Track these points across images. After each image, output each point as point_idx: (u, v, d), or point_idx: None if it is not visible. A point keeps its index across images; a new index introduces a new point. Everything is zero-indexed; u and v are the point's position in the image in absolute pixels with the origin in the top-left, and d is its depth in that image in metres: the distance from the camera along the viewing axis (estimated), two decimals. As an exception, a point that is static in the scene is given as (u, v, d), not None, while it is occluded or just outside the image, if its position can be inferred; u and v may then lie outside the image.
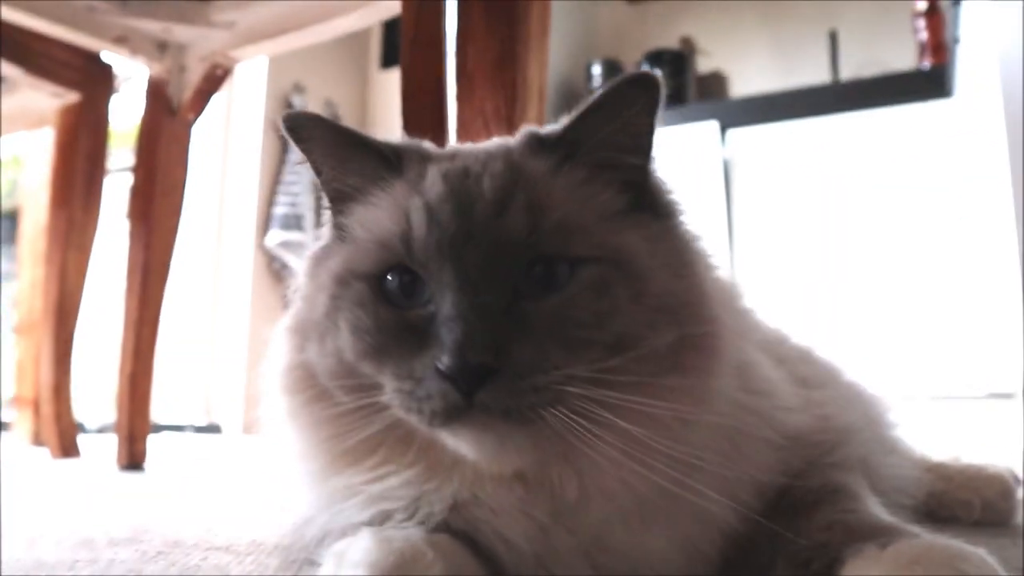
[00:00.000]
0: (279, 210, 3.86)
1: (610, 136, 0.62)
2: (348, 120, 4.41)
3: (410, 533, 0.56)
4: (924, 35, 3.36)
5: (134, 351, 1.73)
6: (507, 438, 0.56)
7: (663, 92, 0.61)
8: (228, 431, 3.66)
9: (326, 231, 0.69)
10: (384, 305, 0.60)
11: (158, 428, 1.96)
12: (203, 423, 3.73)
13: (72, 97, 1.87)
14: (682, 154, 3.28)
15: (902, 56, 3.49)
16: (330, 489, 0.64)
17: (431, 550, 0.54)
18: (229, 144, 4.07)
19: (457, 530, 0.59)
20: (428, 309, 0.58)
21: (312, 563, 0.64)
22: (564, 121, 0.64)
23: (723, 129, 3.31)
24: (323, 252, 0.67)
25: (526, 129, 0.67)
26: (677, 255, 0.62)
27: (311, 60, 4.12)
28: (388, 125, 4.44)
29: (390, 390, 0.57)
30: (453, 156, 0.66)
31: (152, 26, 1.67)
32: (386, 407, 0.58)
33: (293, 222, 3.84)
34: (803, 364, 0.83)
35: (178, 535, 0.89)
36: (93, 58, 1.86)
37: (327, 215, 0.69)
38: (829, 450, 0.69)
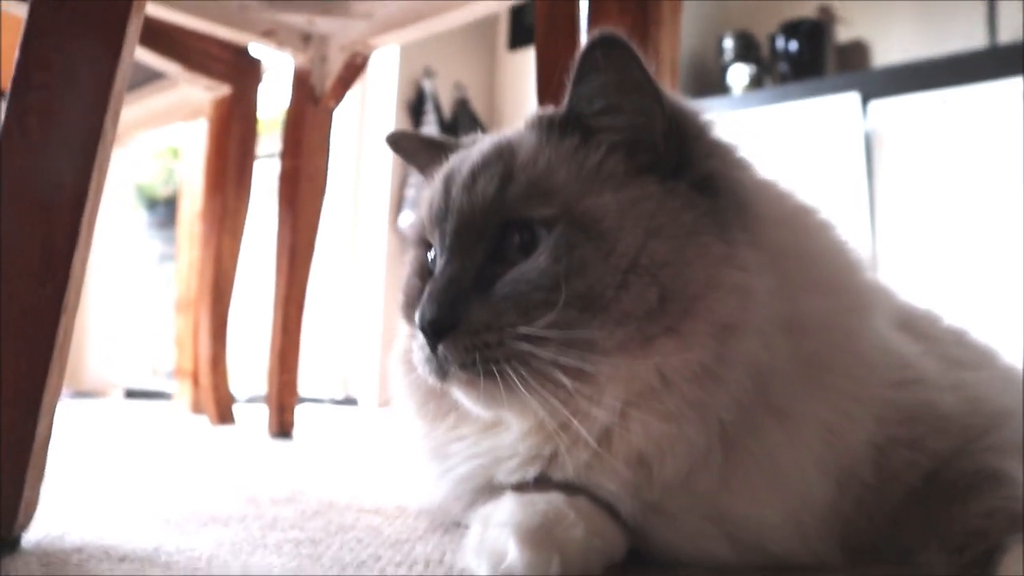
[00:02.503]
0: (411, 192, 3.97)
1: (593, 101, 0.63)
2: (477, 101, 4.51)
3: (552, 496, 0.59)
4: (1097, -9, 3.06)
5: (283, 328, 1.84)
6: (482, 390, 0.60)
7: (629, 47, 0.61)
8: (364, 404, 3.82)
9: None
10: (418, 271, 0.71)
11: (301, 400, 2.09)
12: (341, 397, 3.90)
13: (224, 90, 1.99)
14: (820, 128, 3.14)
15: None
16: (432, 448, 0.70)
17: (572, 511, 0.57)
18: (364, 129, 4.20)
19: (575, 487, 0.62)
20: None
21: (459, 524, 0.70)
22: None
23: (865, 101, 3.14)
24: None
25: (535, 113, 0.70)
26: (670, 216, 0.60)
27: (441, 44, 4.19)
28: (516, 105, 4.48)
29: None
30: (474, 143, 0.74)
31: (297, 19, 1.76)
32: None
33: (425, 204, 3.94)
34: (956, 346, 0.79)
35: (331, 497, 0.97)
36: (242, 52, 1.98)
37: None
38: (981, 434, 0.66)
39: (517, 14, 4.48)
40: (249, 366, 2.34)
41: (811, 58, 3.66)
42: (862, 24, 3.82)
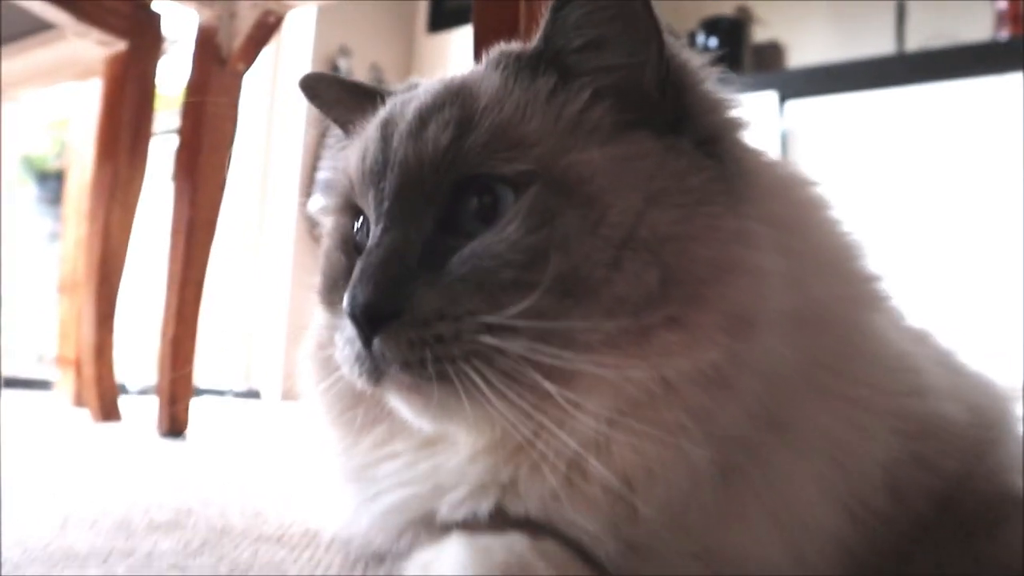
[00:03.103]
0: (323, 175, 3.81)
1: (576, 33, 0.52)
2: (394, 84, 4.35)
3: (513, 540, 0.46)
4: (1003, 4, 3.19)
5: (177, 313, 1.67)
6: (433, 397, 0.47)
7: None
8: (267, 397, 3.63)
9: None
10: (341, 245, 0.56)
11: (198, 392, 1.93)
12: (243, 389, 3.71)
13: (119, 46, 1.79)
14: (740, 125, 3.15)
15: (975, 27, 3.32)
16: (353, 468, 0.56)
17: (540, 560, 0.45)
18: (274, 108, 4.01)
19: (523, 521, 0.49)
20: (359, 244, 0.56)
21: (379, 560, 0.55)
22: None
23: (782, 100, 3.18)
24: None
25: (497, 48, 0.57)
26: (674, 180, 0.49)
27: (357, 23, 4.05)
28: (434, 91, 4.36)
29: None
30: (414, 88, 0.61)
31: (203, -31, 1.60)
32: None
33: (336, 188, 3.79)
34: (927, 347, 0.71)
35: (225, 520, 0.79)
36: (142, 6, 1.79)
37: None
38: (989, 448, 0.57)
39: (438, -5, 4.37)
40: (141, 353, 2.16)
41: (730, 56, 3.67)
42: (778, 25, 3.88)
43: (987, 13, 3.26)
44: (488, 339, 0.45)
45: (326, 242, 0.61)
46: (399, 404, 0.51)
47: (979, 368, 0.75)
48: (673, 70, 0.52)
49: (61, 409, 2.22)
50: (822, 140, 3.14)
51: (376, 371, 0.48)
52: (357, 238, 0.56)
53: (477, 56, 1.03)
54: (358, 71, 4.10)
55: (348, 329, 0.48)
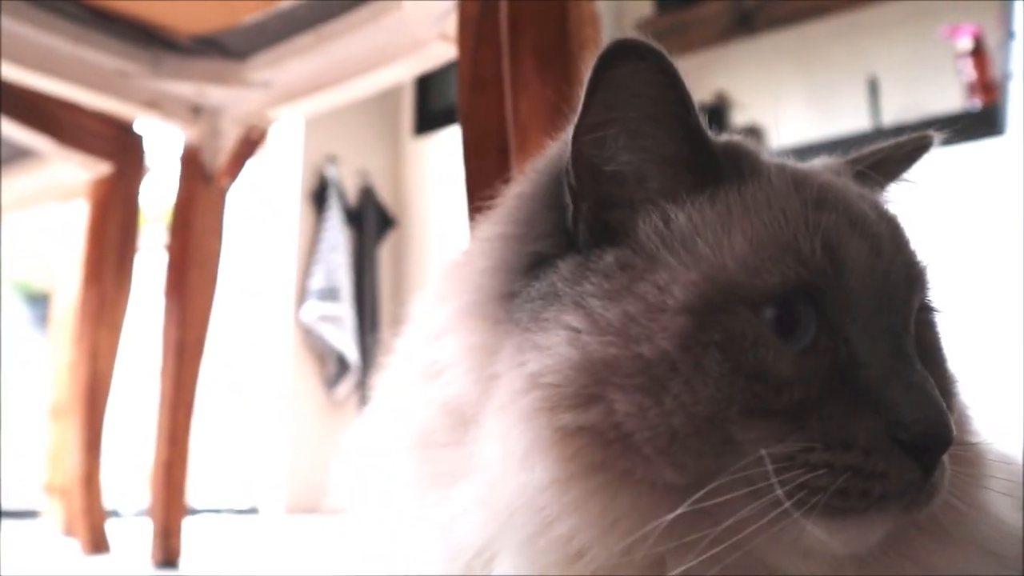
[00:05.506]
0: (315, 282, 3.79)
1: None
2: (383, 190, 4.41)
3: None
4: (970, 75, 3.26)
5: (169, 437, 1.62)
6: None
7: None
8: (267, 513, 3.52)
9: (526, 239, 0.50)
10: (778, 343, 0.43)
11: (193, 512, 1.85)
12: (241, 506, 3.59)
13: (104, 169, 1.80)
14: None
15: (944, 99, 3.40)
16: None
17: None
18: (262, 215, 4.03)
19: None
20: (839, 354, 0.43)
21: None
22: (857, 158, 0.57)
23: (766, 181, 3.22)
24: (579, 265, 0.47)
25: (833, 159, 0.57)
26: None
27: (344, 130, 4.12)
28: (422, 192, 4.40)
29: (799, 465, 0.40)
30: (794, 169, 0.52)
31: (185, 88, 1.61)
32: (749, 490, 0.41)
33: (330, 294, 3.76)
34: None
35: None
36: (124, 127, 1.80)
37: (537, 213, 0.50)
38: None
39: (422, 100, 4.46)
40: (132, 475, 2.09)
41: (712, 141, 3.75)
42: (756, 108, 3.97)
43: (955, 83, 3.34)
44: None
45: (734, 330, 0.43)
46: (865, 534, 0.43)
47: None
48: None
49: (50, 539, 2.13)
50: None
51: (897, 496, 0.41)
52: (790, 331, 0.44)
53: (466, 154, 1.02)
54: (346, 177, 4.14)
55: (892, 457, 0.41)
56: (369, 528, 0.53)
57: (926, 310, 0.49)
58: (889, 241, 0.47)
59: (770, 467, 0.40)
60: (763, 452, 0.40)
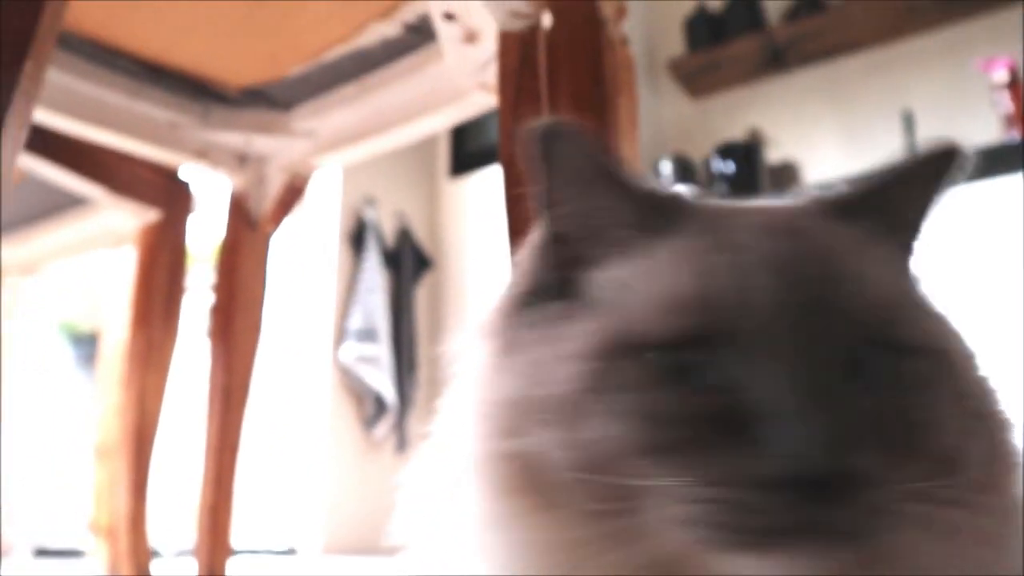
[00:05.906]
0: (353, 323, 3.83)
1: (909, 203, 0.55)
2: (420, 231, 4.46)
3: None
4: (1007, 107, 3.24)
5: (214, 480, 1.65)
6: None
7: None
8: (305, 553, 3.52)
9: (524, 285, 0.56)
10: (676, 385, 0.46)
11: (235, 552, 1.87)
12: (279, 547, 3.60)
13: (152, 215, 1.86)
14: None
15: (982, 131, 3.37)
16: None
17: None
18: (302, 257, 4.09)
19: None
20: (739, 394, 0.44)
21: None
22: (855, 186, 0.54)
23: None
24: (540, 313, 0.53)
25: (806, 192, 0.56)
26: (965, 342, 0.51)
27: (381, 172, 4.19)
28: (458, 233, 4.44)
29: (683, 499, 0.43)
30: (730, 211, 0.54)
31: (233, 138, 1.66)
32: (645, 527, 0.44)
33: (368, 335, 3.80)
34: None
35: None
36: (172, 175, 1.86)
37: (535, 263, 0.56)
38: None
39: (458, 142, 4.53)
40: (177, 515, 2.12)
41: (746, 178, 3.74)
42: (790, 144, 3.96)
43: (992, 116, 3.31)
44: (905, 507, 0.44)
45: (633, 372, 0.48)
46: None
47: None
48: None
49: (95, 581, 2.16)
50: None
51: (782, 533, 0.42)
52: (691, 374, 0.48)
53: (508, 200, 1.05)
54: (384, 219, 4.21)
55: (770, 494, 0.42)
56: (433, 566, 0.55)
57: (892, 349, 0.47)
58: (813, 280, 0.47)
59: (667, 501, 0.42)
60: (662, 485, 0.43)
